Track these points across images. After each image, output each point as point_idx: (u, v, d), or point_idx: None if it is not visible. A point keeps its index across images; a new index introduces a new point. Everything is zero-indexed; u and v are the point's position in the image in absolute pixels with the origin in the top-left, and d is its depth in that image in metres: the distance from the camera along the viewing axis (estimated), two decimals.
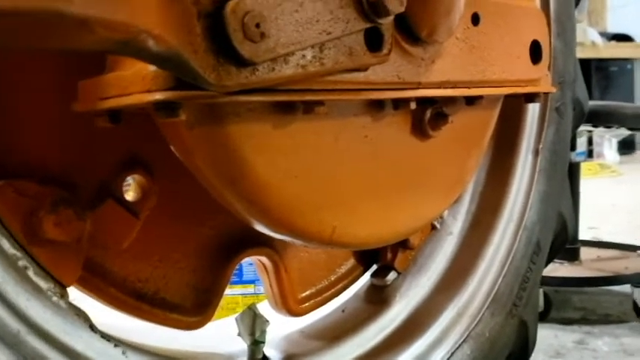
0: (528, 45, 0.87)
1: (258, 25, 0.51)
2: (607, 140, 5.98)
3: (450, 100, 0.81)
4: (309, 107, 0.62)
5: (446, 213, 1.09)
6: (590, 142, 5.88)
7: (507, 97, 0.92)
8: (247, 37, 0.50)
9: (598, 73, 6.23)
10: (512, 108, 1.09)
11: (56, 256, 0.66)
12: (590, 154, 5.78)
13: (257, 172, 0.63)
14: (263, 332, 0.83)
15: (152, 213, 0.78)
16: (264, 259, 0.90)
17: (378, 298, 1.01)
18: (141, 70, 0.53)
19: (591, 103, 1.55)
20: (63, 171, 0.70)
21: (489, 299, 1.03)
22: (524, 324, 1.07)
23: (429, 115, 0.78)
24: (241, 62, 0.51)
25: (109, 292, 0.75)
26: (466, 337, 0.99)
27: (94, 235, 0.72)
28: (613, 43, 6.35)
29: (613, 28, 6.62)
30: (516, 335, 1.06)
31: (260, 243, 0.88)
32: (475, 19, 0.78)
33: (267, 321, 0.84)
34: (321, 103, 0.62)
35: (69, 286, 0.67)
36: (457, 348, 0.98)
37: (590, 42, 5.76)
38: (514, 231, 1.08)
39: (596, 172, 5.20)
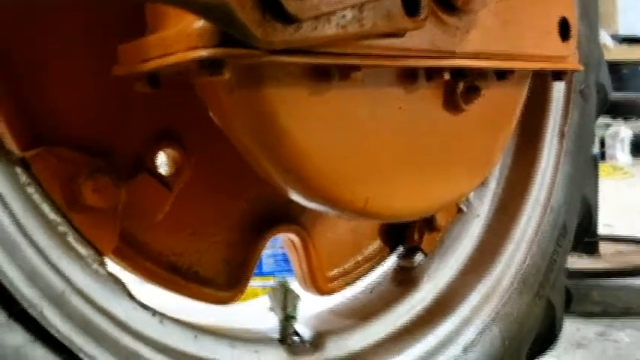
0: (557, 21, 0.87)
1: None
2: (619, 142, 5.96)
3: (482, 75, 0.81)
4: (344, 72, 0.63)
5: (472, 196, 1.09)
6: (602, 144, 5.87)
7: (535, 75, 0.92)
8: None
9: (609, 75, 6.18)
10: (538, 90, 1.10)
11: (94, 222, 0.66)
12: (602, 156, 5.76)
13: (293, 138, 0.64)
14: (294, 307, 0.83)
15: (186, 186, 0.79)
16: (293, 236, 0.90)
17: (405, 280, 1.01)
18: (185, 27, 0.53)
19: None
20: (99, 141, 0.71)
21: (517, 280, 1.03)
22: (551, 305, 1.07)
23: (461, 88, 0.78)
24: (286, 18, 0.51)
25: (144, 265, 0.75)
26: (495, 317, 0.99)
27: (128, 207, 0.73)
28: (624, 45, 6.32)
29: (624, 31, 6.59)
30: (544, 316, 1.06)
31: (290, 220, 0.88)
32: None
33: (299, 296, 0.84)
34: (357, 68, 0.63)
35: (106, 254, 0.68)
36: (486, 327, 0.97)
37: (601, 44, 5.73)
38: (540, 213, 1.08)
39: (609, 173, 5.18)
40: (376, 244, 1.01)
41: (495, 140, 0.88)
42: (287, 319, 0.83)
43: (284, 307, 0.82)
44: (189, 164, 0.79)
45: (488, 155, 0.87)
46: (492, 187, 1.10)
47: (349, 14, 0.57)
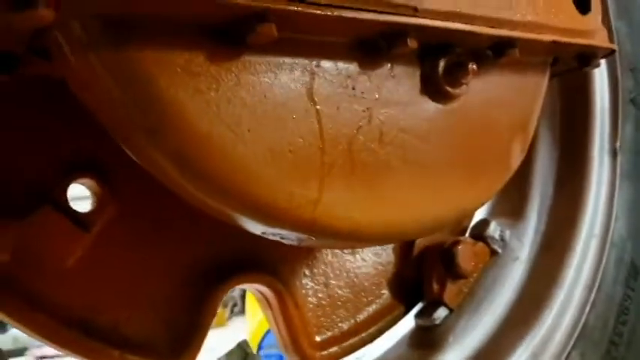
0: None
1: None
2: None
3: (472, 51, 0.62)
4: (247, 26, 0.46)
5: (508, 234, 0.87)
6: None
7: (558, 63, 0.73)
8: None
9: None
10: (573, 100, 0.90)
11: None
12: None
13: (188, 120, 0.47)
14: None
15: (111, 227, 0.63)
16: (264, 289, 0.71)
17: (426, 342, 0.79)
18: None
19: None
20: None
21: (574, 336, 0.78)
22: None
23: (442, 66, 0.60)
24: None
25: (46, 324, 0.58)
26: None
27: (25, 250, 0.57)
28: None
29: None
30: None
31: (258, 266, 0.70)
32: None
33: None
34: (261, 17, 0.46)
35: None
36: None
37: None
38: (598, 249, 0.84)
39: None
40: (384, 300, 0.80)
41: (508, 139, 0.68)
42: None
43: None
44: (114, 199, 0.64)
45: (499, 159, 0.67)
46: (533, 222, 0.88)
47: None
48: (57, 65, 0.47)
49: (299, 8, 0.47)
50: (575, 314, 0.80)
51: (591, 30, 0.71)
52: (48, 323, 0.58)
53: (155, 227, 0.66)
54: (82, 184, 0.64)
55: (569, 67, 0.75)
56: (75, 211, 0.61)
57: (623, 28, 0.95)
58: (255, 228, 0.54)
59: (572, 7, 0.69)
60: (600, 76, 0.92)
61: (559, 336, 0.78)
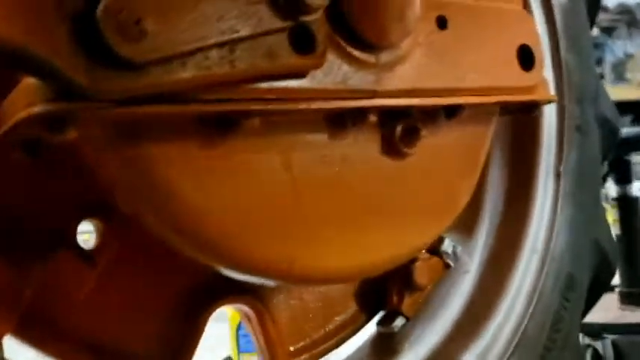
0: (515, 49, 0.79)
1: (138, 22, 0.46)
2: None
3: (426, 114, 0.73)
4: (234, 121, 0.56)
5: (460, 249, 0.99)
6: None
7: (504, 109, 0.84)
8: (125, 35, 0.45)
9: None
10: (524, 128, 1.00)
11: None
12: None
13: (187, 199, 0.57)
14: None
15: (114, 260, 0.73)
16: (245, 308, 0.82)
17: (385, 348, 0.91)
18: (25, 83, 0.49)
19: None
20: (5, 217, 0.67)
21: (514, 343, 0.91)
22: None
23: (399, 130, 0.71)
24: (121, 64, 0.46)
25: (62, 348, 0.69)
26: None
27: (45, 285, 0.68)
28: None
29: None
30: None
31: (239, 290, 0.81)
32: (441, 23, 0.71)
33: None
34: (246, 114, 0.56)
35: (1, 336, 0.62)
36: None
37: None
38: (539, 263, 0.96)
39: None
40: (350, 310, 0.92)
41: (456, 184, 0.79)
42: None
43: None
44: (116, 236, 0.74)
45: (448, 201, 0.78)
46: (483, 238, 0.99)
47: (214, 54, 0.51)
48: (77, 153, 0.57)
49: (277, 106, 0.57)
50: (515, 324, 0.92)
51: (534, 85, 0.81)
52: (66, 349, 0.69)
53: (150, 260, 0.77)
54: (91, 224, 0.74)
55: (515, 112, 0.86)
56: (84, 250, 0.72)
57: (572, 59, 1.05)
58: (242, 277, 0.65)
59: (517, 66, 0.79)
60: (549, 104, 1.03)
61: (501, 343, 0.90)
